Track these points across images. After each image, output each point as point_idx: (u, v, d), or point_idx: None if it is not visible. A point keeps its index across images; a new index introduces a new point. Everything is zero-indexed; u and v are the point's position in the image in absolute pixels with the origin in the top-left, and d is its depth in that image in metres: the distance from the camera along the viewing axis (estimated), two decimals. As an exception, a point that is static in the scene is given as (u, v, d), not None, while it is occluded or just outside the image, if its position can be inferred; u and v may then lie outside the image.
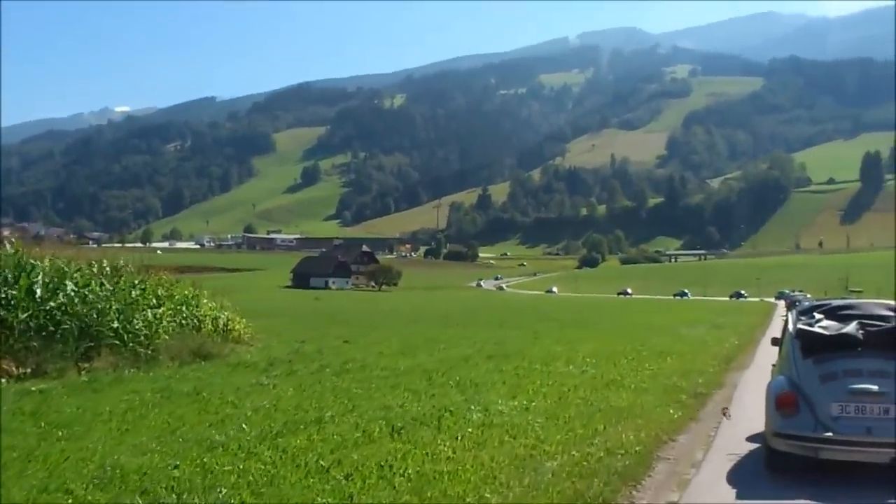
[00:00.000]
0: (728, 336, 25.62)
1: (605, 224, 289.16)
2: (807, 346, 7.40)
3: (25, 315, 12.32)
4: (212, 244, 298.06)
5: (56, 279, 13.70)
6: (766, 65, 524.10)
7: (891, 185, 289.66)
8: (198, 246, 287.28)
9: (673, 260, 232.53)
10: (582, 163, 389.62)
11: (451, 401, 10.29)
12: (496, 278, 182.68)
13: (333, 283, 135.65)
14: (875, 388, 6.81)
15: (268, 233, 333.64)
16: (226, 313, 18.08)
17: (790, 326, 7.97)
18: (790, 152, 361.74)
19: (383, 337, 24.43)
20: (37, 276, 13.14)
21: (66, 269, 14.42)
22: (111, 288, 14.81)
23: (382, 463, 6.67)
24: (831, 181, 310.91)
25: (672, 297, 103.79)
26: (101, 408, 9.37)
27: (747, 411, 10.00)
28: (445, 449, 7.22)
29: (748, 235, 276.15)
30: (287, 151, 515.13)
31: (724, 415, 9.59)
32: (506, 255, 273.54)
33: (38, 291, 12.84)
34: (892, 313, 7.70)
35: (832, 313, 8.03)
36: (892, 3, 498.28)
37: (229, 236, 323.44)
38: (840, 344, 7.25)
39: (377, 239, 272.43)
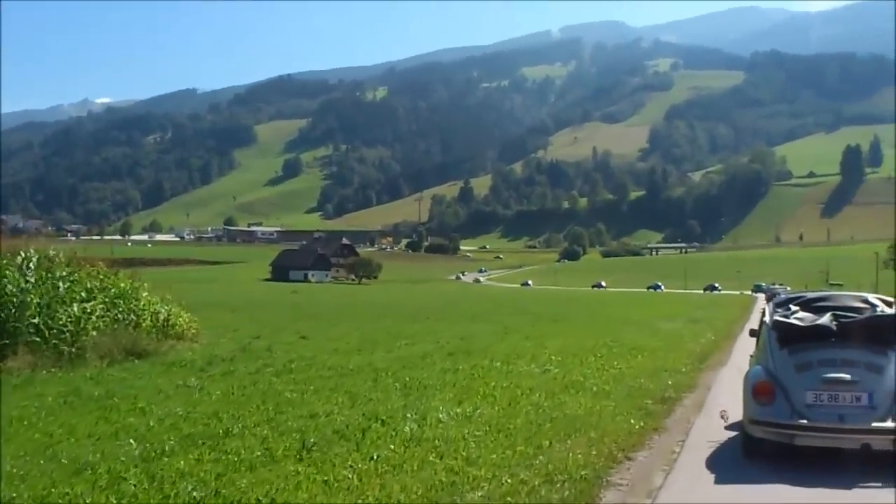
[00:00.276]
0: (704, 331, 24.69)
1: (586, 217, 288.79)
2: (783, 336, 7.59)
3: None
4: (192, 237, 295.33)
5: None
6: (748, 59, 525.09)
7: (871, 178, 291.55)
8: (178, 238, 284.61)
9: (654, 253, 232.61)
10: (564, 156, 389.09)
11: (389, 407, 9.22)
12: (480, 271, 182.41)
13: (313, 276, 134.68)
14: (847, 377, 7.01)
15: (248, 225, 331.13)
16: (167, 307, 16.82)
17: (767, 318, 8.12)
18: (771, 146, 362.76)
19: (345, 332, 23.36)
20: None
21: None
22: (33, 280, 13.58)
23: (265, 494, 5.56)
24: (812, 175, 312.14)
25: (646, 290, 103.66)
26: (-13, 416, 8.21)
27: (718, 420, 9.01)
28: (351, 475, 6.09)
29: (729, 229, 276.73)
30: (268, 144, 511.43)
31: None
32: (485, 247, 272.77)
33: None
34: (864, 305, 8.08)
35: (807, 305, 8.30)
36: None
37: (209, 229, 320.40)
38: (814, 335, 7.47)
39: (358, 232, 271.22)
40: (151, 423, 8.19)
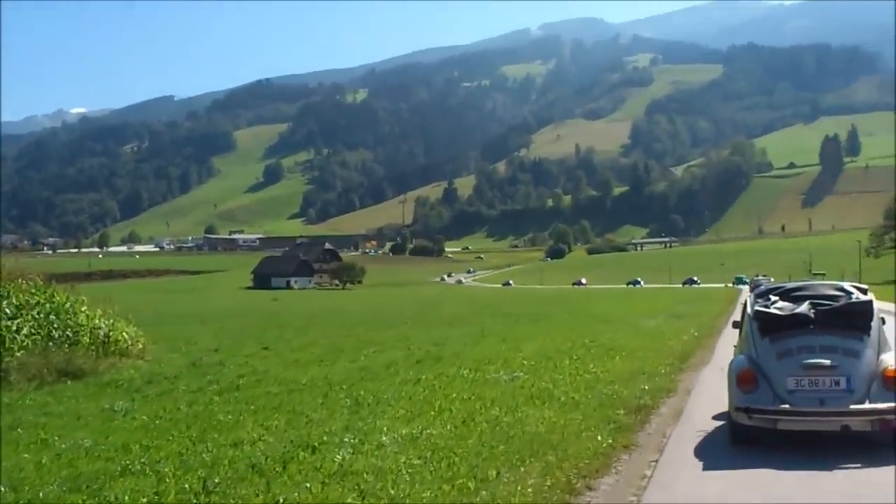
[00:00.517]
0: (687, 327, 23.73)
1: (570, 214, 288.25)
2: (764, 326, 7.82)
3: None
4: (171, 246, 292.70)
5: None
6: (725, 52, 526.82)
7: (850, 167, 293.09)
8: (157, 249, 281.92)
9: (639, 248, 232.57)
10: (547, 154, 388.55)
11: (328, 430, 8.14)
12: (469, 272, 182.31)
13: (295, 282, 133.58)
14: (827, 362, 7.28)
15: (230, 233, 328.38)
16: (108, 322, 15.62)
17: (748, 309, 8.32)
18: (751, 138, 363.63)
19: (313, 341, 22.31)
20: None
21: None
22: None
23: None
24: (792, 165, 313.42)
25: (625, 286, 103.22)
26: None
27: (697, 430, 8.01)
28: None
29: (712, 222, 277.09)
30: (248, 150, 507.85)
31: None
32: (467, 248, 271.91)
33: None
34: (840, 293, 8.29)
35: (786, 295, 8.49)
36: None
37: (190, 238, 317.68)
38: (794, 323, 7.70)
39: (342, 236, 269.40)
40: (44, 461, 7.10)
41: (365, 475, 6.10)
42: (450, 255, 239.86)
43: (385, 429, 7.97)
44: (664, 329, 23.28)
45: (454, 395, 10.45)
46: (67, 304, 14.99)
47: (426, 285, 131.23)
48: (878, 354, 7.50)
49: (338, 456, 6.76)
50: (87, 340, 14.60)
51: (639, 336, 20.69)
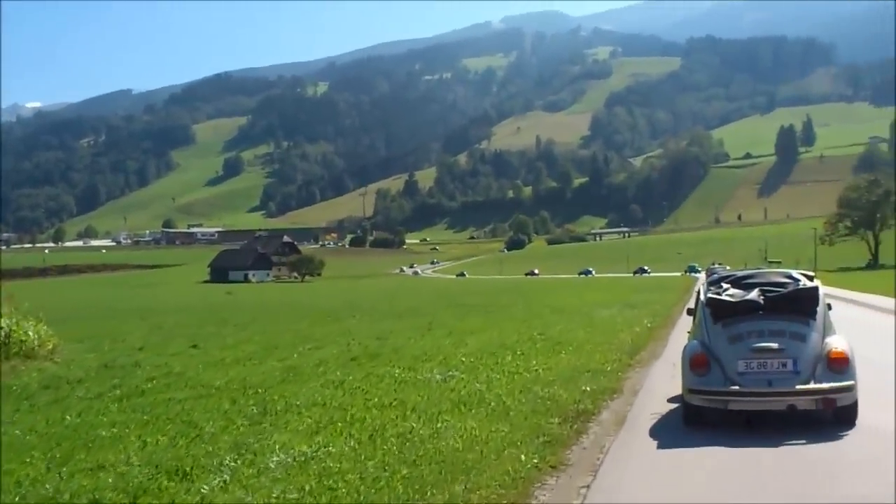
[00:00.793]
0: (641, 317, 22.97)
1: (531, 206, 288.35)
2: (716, 312, 8.15)
3: None
4: (129, 241, 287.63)
5: None
6: (684, 45, 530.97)
7: (805, 158, 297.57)
8: (114, 243, 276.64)
9: (598, 238, 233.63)
10: (507, 146, 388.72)
11: (215, 447, 7.04)
12: (433, 262, 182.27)
13: (254, 275, 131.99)
14: (775, 345, 7.64)
15: (188, 227, 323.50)
16: (10, 322, 14.28)
17: (702, 296, 8.65)
18: (708, 129, 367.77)
19: (248, 337, 21.11)
20: None
21: None
22: None
23: None
24: (748, 156, 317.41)
25: (577, 276, 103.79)
26: None
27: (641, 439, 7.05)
28: None
29: (670, 211, 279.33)
30: (208, 143, 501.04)
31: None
32: (426, 240, 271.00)
33: None
34: (788, 280, 8.63)
35: (737, 283, 8.80)
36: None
37: (147, 232, 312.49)
38: (744, 309, 8.03)
39: (302, 229, 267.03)
40: None
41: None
42: (405, 248, 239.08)
43: (281, 445, 6.89)
44: (617, 320, 22.50)
45: (375, 399, 9.41)
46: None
47: (384, 277, 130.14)
48: (824, 338, 7.87)
49: (206, 486, 5.66)
50: (-17, 342, 13.29)
51: (590, 328, 19.85)
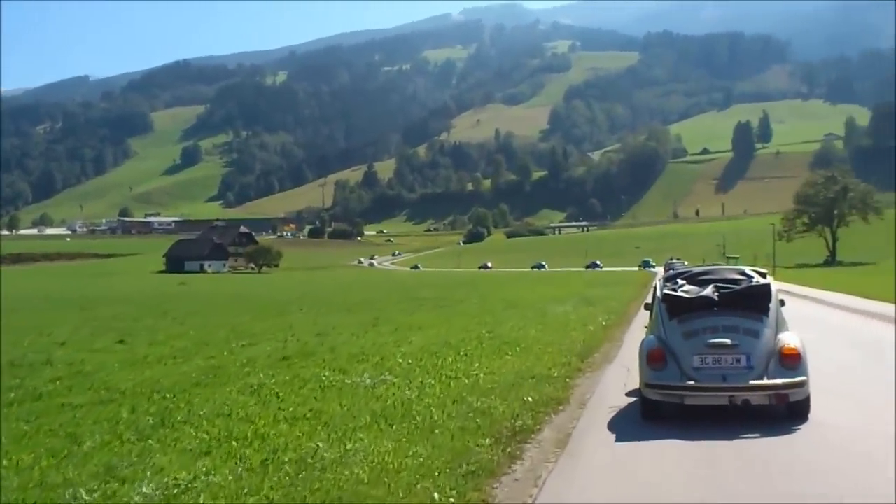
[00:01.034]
0: (596, 314, 22.18)
1: (490, 198, 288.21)
2: (671, 308, 8.25)
3: None
4: (84, 229, 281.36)
5: None
6: (642, 40, 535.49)
7: (761, 153, 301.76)
8: (69, 232, 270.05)
9: (557, 232, 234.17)
10: (467, 138, 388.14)
11: (82, 471, 5.95)
12: (394, 254, 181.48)
13: (209, 265, 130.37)
14: (728, 341, 7.75)
15: (145, 216, 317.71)
16: None
17: (658, 292, 8.72)
18: (666, 124, 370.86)
19: (181, 332, 19.92)
20: None
21: None
22: None
23: None
24: (705, 151, 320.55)
25: (530, 269, 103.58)
26: None
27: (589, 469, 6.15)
28: None
29: (628, 206, 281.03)
30: (165, 131, 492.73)
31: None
32: (382, 232, 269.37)
33: None
34: (741, 277, 8.78)
35: (693, 279, 8.95)
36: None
37: (103, 221, 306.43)
38: (699, 305, 8.14)
39: (261, 220, 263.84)
40: None
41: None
42: (363, 239, 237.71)
43: (158, 470, 5.82)
44: (571, 317, 21.68)
45: (290, 409, 8.35)
46: None
47: (342, 269, 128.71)
48: (776, 334, 7.97)
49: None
50: None
51: (542, 325, 18.98)
